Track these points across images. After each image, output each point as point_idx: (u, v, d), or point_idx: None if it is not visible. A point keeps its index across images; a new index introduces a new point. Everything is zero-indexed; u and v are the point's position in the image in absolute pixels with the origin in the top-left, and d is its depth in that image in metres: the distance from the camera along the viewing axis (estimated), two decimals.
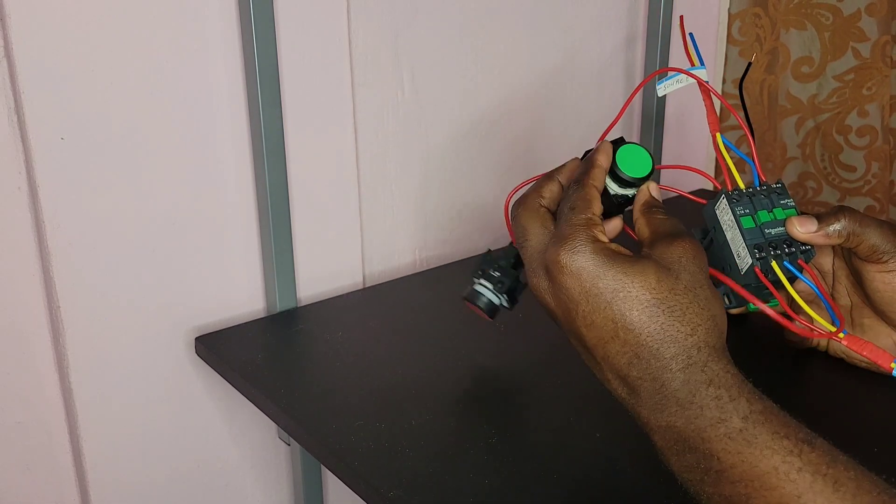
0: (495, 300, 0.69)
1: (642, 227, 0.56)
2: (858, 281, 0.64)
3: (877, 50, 1.23)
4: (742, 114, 0.64)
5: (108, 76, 0.74)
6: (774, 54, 1.25)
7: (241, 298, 0.88)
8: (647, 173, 0.60)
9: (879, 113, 1.26)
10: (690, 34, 0.63)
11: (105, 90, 0.74)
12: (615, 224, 0.60)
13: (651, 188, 0.59)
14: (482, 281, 0.69)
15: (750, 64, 0.85)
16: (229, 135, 0.82)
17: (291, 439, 0.91)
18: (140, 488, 0.86)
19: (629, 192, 0.60)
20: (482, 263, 0.70)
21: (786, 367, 0.72)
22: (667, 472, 0.60)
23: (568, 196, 0.56)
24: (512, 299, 0.69)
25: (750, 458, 0.45)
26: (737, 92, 1.28)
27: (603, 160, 0.59)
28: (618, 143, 0.61)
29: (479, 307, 0.69)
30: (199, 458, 0.90)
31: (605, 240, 0.54)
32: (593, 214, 0.55)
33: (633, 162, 0.60)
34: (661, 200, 0.59)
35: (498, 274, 0.69)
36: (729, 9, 1.23)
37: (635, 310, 0.50)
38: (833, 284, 0.68)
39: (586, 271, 0.51)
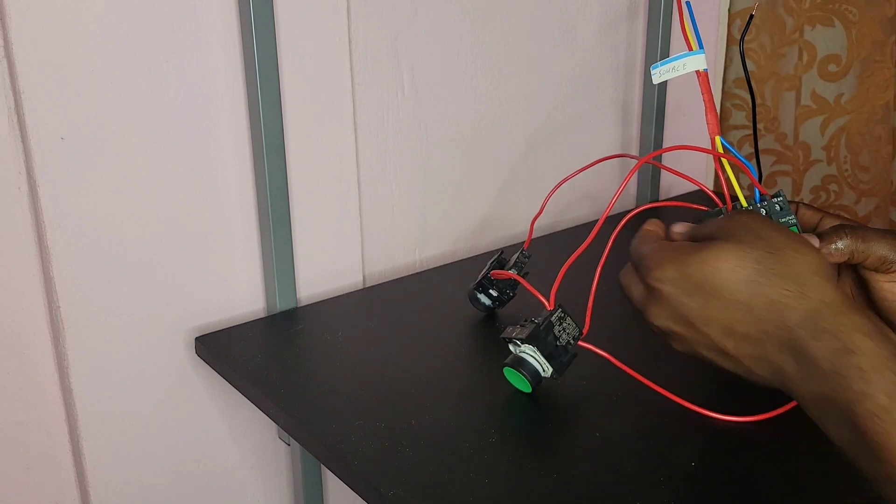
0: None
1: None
2: (864, 288, 0.64)
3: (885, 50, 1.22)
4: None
5: (108, 76, 0.74)
6: (790, 55, 1.23)
7: (241, 298, 0.88)
8: (529, 390, 0.68)
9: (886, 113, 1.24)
10: (687, 3, 0.57)
11: (105, 90, 0.74)
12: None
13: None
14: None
15: (752, 16, 0.81)
16: (229, 135, 0.82)
17: (291, 439, 0.91)
18: (140, 488, 0.86)
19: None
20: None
21: None
22: (667, 472, 0.60)
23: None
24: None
25: None
26: (737, 91, 1.28)
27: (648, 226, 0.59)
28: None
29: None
30: (199, 458, 0.90)
31: (673, 234, 0.56)
32: (649, 228, 0.57)
33: (518, 379, 0.68)
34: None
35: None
36: (729, 9, 1.23)
37: (736, 291, 0.50)
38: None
39: (676, 274, 0.52)
